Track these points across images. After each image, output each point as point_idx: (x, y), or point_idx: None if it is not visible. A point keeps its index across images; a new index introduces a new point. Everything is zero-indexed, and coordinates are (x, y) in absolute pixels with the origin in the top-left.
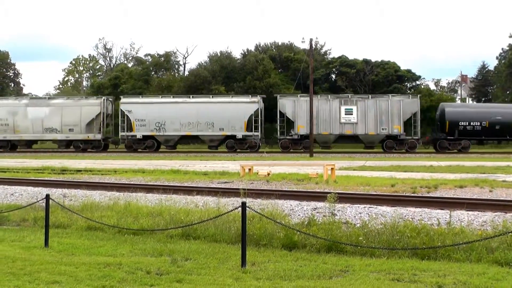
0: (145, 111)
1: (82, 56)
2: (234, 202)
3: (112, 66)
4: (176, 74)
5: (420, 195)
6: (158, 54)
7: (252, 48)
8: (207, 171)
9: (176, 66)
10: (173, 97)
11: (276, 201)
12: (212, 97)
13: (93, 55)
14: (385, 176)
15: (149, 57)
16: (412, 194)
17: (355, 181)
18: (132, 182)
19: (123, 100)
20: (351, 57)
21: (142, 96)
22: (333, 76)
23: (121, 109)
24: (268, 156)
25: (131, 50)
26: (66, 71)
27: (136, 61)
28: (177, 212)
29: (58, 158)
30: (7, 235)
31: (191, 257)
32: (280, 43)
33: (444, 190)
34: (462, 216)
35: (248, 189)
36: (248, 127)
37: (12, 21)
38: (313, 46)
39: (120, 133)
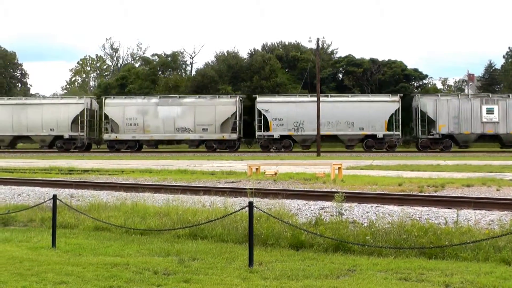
0: (283, 110)
1: (89, 56)
2: (241, 201)
3: (119, 66)
4: (183, 74)
5: (427, 194)
6: (165, 54)
7: (259, 48)
8: (214, 171)
9: (183, 66)
10: (310, 96)
11: (283, 201)
12: (351, 96)
13: (100, 55)
14: (392, 175)
15: (156, 57)
16: (419, 193)
17: (362, 181)
18: (139, 182)
19: (259, 99)
20: (358, 56)
21: (278, 95)
22: (340, 75)
23: (257, 108)
24: (274, 156)
25: (138, 50)
26: (73, 71)
27: (143, 61)
28: (184, 212)
29: (65, 159)
30: (14, 236)
31: (198, 257)
32: (287, 43)
33: (451, 189)
34: (469, 215)
35: (255, 189)
36: (389, 127)
37: (19, 21)
38: (320, 45)
39: (257, 133)
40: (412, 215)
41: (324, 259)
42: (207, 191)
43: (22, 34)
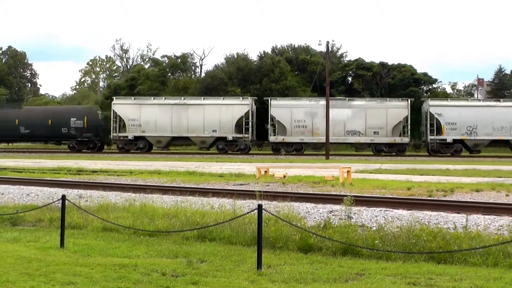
0: (457, 114)
1: (99, 57)
2: (250, 204)
3: (128, 67)
4: (193, 76)
5: (437, 198)
6: (174, 56)
7: (269, 50)
8: (223, 173)
9: (193, 67)
10: (482, 100)
11: (292, 204)
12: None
13: (110, 56)
14: (401, 179)
15: (165, 58)
16: (428, 198)
17: (371, 184)
18: (148, 184)
19: (433, 102)
20: (367, 59)
21: (450, 99)
22: (350, 79)
23: (430, 112)
24: (284, 158)
25: (147, 51)
26: (82, 71)
27: (152, 62)
28: (192, 214)
29: (74, 159)
30: (22, 236)
31: (206, 259)
32: (296, 46)
33: (460, 193)
34: (478, 220)
35: (264, 192)
36: None
37: (29, 22)
38: (330, 48)
39: (429, 136)
40: (421, 219)
41: (332, 262)
42: (215, 193)
43: (32, 34)
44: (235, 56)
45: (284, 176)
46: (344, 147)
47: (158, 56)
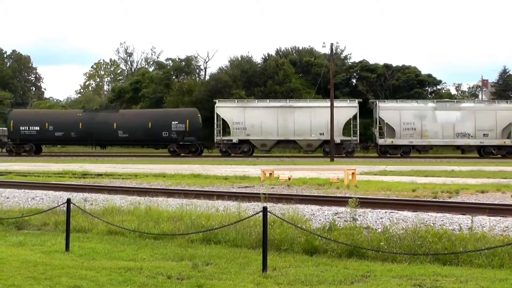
0: None
1: (103, 60)
2: (255, 207)
3: (133, 71)
4: (197, 79)
5: (442, 200)
6: (179, 59)
7: (273, 53)
8: (227, 175)
9: (197, 70)
10: None
11: (297, 206)
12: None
13: (114, 60)
14: (406, 181)
15: (170, 61)
16: (433, 199)
17: (376, 186)
18: (153, 187)
19: None
20: (371, 61)
21: None
22: (354, 80)
23: None
24: (288, 161)
25: (152, 54)
26: (87, 75)
27: (157, 66)
28: (198, 217)
29: (79, 162)
30: (28, 239)
31: (212, 262)
32: (300, 48)
33: (465, 195)
34: (483, 222)
35: (268, 194)
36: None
37: (33, 26)
38: (334, 50)
39: None
40: (427, 221)
41: (338, 264)
42: (220, 195)
43: (36, 38)
44: (239, 58)
45: (289, 179)
46: (451, 149)
47: (162, 59)
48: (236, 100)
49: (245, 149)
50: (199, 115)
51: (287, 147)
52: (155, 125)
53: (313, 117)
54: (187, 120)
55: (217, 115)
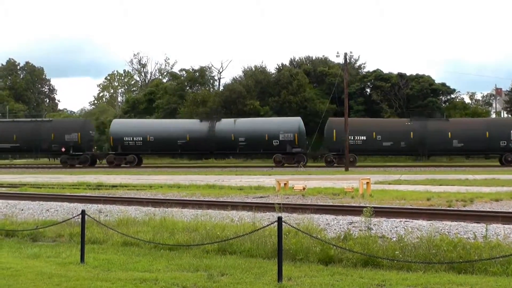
0: None
1: (117, 71)
2: (269, 217)
3: (147, 81)
4: (211, 89)
5: (456, 208)
6: (193, 69)
7: (287, 63)
8: (242, 186)
9: (211, 81)
10: None
11: (311, 216)
12: None
13: (128, 71)
14: (421, 190)
15: (184, 72)
16: (448, 208)
17: (390, 195)
18: (167, 197)
19: None
20: (385, 70)
21: None
22: (368, 90)
23: None
24: (303, 171)
25: (166, 65)
26: (101, 86)
27: (171, 76)
28: (212, 227)
29: (93, 174)
30: (43, 251)
31: (227, 272)
32: (314, 58)
33: (480, 203)
34: (498, 230)
35: (283, 204)
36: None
37: (46, 38)
38: (348, 60)
39: None
40: (441, 229)
41: (353, 274)
42: (235, 206)
43: (50, 51)
44: (253, 69)
45: (304, 188)
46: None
47: (176, 70)
48: None
49: None
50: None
51: None
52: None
53: None
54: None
55: None
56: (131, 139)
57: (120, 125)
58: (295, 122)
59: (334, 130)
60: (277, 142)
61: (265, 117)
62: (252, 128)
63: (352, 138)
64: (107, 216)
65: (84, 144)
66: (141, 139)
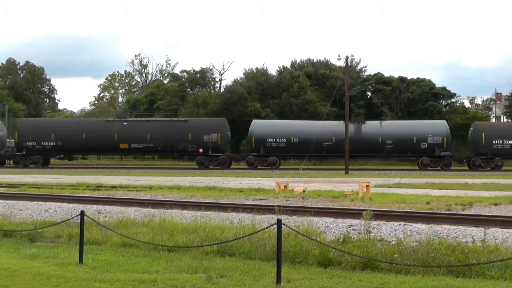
0: None
1: (118, 72)
2: (269, 219)
3: (148, 83)
4: (212, 91)
5: (455, 212)
6: (194, 71)
7: (288, 65)
8: (242, 188)
9: (212, 82)
10: None
11: (311, 218)
12: None
13: (129, 71)
14: (420, 193)
15: (185, 73)
16: (447, 212)
17: (390, 199)
18: (167, 199)
19: None
20: (387, 74)
21: None
22: (369, 93)
23: None
24: (304, 173)
25: (167, 66)
26: (101, 87)
27: (172, 78)
28: (212, 229)
29: (93, 175)
30: (41, 252)
31: (226, 274)
32: (315, 60)
33: (479, 207)
34: (496, 234)
35: (283, 206)
36: None
37: (47, 38)
38: (349, 63)
39: None
40: (440, 233)
41: (352, 277)
42: (235, 208)
43: (50, 50)
44: (254, 71)
45: (304, 191)
46: None
47: (177, 71)
48: None
49: None
50: None
51: None
52: None
53: None
54: None
55: None
56: (274, 140)
57: (261, 125)
58: (443, 125)
59: (483, 134)
60: (425, 145)
61: (412, 120)
62: (400, 131)
63: (500, 142)
64: (106, 217)
65: (223, 144)
66: (285, 140)
